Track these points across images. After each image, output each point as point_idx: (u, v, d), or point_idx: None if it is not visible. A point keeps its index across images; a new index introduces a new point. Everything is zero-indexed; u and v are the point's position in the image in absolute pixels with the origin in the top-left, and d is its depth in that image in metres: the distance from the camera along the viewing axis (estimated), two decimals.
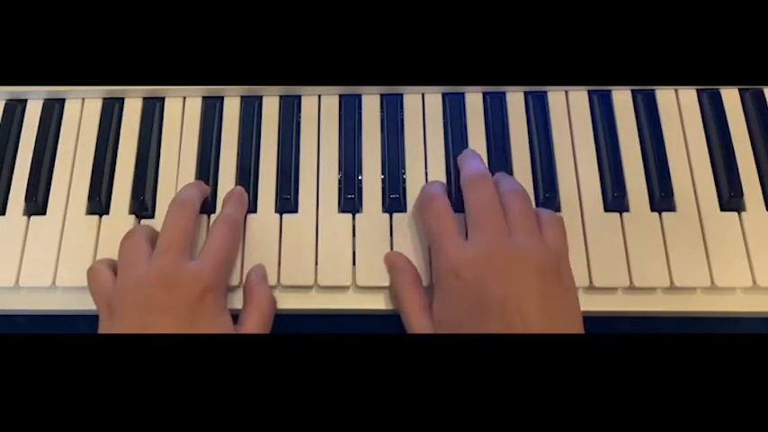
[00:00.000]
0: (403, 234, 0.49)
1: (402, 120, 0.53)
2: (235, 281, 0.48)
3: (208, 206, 0.50)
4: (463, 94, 0.53)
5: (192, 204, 0.47)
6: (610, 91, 0.53)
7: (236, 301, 0.48)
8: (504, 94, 0.53)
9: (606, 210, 0.50)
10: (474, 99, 0.53)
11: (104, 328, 0.44)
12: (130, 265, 0.45)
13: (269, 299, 0.47)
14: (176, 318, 0.42)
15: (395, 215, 0.50)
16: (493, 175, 0.49)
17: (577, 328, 0.42)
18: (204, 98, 0.54)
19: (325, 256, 0.49)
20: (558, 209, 0.50)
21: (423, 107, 0.53)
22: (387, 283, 0.48)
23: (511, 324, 0.40)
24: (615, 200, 0.49)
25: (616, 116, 0.53)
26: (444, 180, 0.51)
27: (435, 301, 0.45)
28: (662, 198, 0.49)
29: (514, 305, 0.40)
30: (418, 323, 0.44)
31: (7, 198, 0.52)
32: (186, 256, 0.45)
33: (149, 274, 0.43)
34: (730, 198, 0.49)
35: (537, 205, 0.50)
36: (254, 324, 0.45)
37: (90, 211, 0.51)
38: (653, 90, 0.53)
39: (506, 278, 0.41)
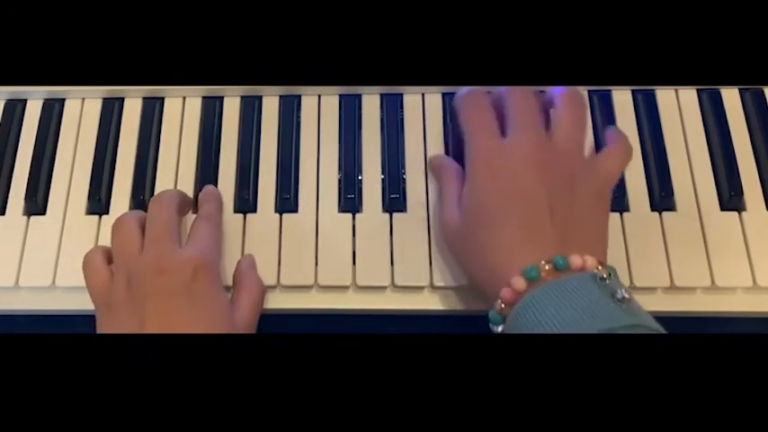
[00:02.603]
0: (403, 234, 0.49)
1: (402, 120, 0.53)
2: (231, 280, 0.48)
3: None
4: None
5: (170, 199, 0.48)
6: (610, 91, 0.53)
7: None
8: None
9: None
10: None
11: (102, 325, 0.44)
12: (124, 260, 0.45)
13: (259, 284, 0.47)
14: (173, 300, 0.42)
15: (395, 215, 0.50)
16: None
17: (597, 246, 0.43)
18: (204, 98, 0.54)
19: (325, 256, 0.49)
20: None
21: (423, 107, 0.53)
22: (387, 283, 0.48)
23: (536, 218, 0.42)
24: (615, 200, 0.49)
25: (616, 116, 0.53)
26: None
27: (465, 190, 0.46)
28: (662, 198, 0.49)
29: (544, 200, 0.42)
30: (447, 213, 0.47)
31: (7, 198, 0.52)
32: (175, 244, 0.45)
33: (141, 266, 0.43)
34: (730, 198, 0.49)
35: None
36: (247, 307, 0.46)
37: (90, 211, 0.51)
38: (653, 90, 0.53)
39: (540, 175, 0.43)
